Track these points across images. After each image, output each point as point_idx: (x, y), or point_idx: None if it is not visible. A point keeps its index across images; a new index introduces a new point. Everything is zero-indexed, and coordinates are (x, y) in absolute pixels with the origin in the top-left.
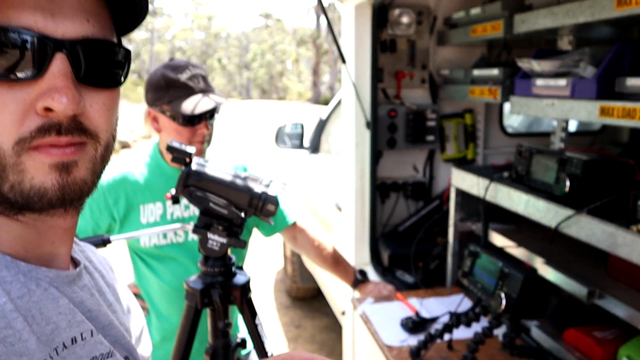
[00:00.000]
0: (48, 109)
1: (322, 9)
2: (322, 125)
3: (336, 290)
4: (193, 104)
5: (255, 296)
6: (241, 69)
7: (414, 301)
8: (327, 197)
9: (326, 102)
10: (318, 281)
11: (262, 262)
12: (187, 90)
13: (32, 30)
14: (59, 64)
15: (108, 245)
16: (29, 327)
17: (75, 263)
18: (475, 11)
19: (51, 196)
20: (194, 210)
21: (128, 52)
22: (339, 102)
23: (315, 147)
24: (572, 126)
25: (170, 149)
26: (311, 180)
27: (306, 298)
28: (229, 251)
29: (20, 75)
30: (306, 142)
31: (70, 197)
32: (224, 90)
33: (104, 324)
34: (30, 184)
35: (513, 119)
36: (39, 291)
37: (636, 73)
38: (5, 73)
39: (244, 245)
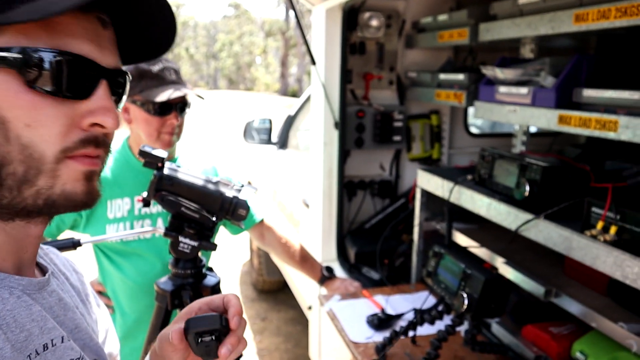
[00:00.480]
0: (96, 125)
1: (293, 8)
2: (290, 121)
3: (303, 285)
4: (164, 93)
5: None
6: (209, 58)
7: (380, 298)
8: (294, 192)
9: (294, 94)
10: (284, 275)
11: (228, 254)
12: (159, 81)
13: (88, 57)
14: (105, 88)
15: (78, 248)
16: (3, 334)
17: (40, 268)
18: (442, 17)
19: (79, 201)
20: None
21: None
22: (308, 98)
23: (283, 143)
24: (533, 128)
25: (142, 153)
26: (279, 175)
27: (272, 291)
28: (199, 253)
29: (70, 93)
30: (274, 138)
31: (91, 203)
32: (190, 79)
33: (72, 328)
34: (62, 189)
35: (477, 119)
36: (13, 299)
37: (592, 84)
38: (58, 90)
39: (214, 248)
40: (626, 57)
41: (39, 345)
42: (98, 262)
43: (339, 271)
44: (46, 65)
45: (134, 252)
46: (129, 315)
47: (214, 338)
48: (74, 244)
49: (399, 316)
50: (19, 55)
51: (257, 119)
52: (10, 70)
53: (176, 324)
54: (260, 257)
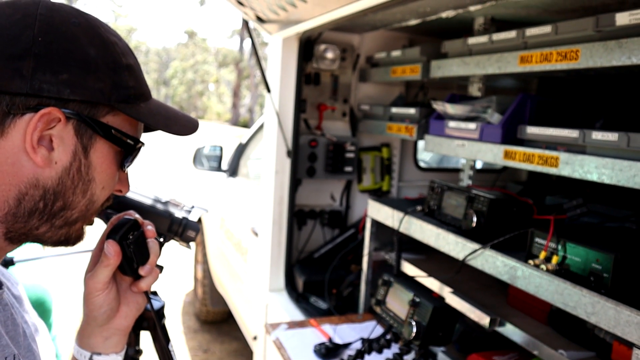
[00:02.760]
0: (119, 190)
1: (249, 34)
2: (241, 149)
3: (248, 315)
4: None
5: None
6: (159, 84)
7: (327, 327)
8: (243, 221)
9: (245, 124)
10: (230, 305)
11: (170, 284)
12: None
13: (143, 143)
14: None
15: (11, 268)
16: None
17: None
18: (395, 53)
19: (80, 240)
20: None
21: None
22: (260, 127)
23: (233, 171)
24: (478, 164)
25: None
26: (228, 203)
27: (215, 322)
28: None
29: (127, 166)
30: (224, 165)
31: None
32: None
33: (22, 345)
34: (83, 231)
35: (425, 154)
36: None
37: (535, 122)
38: (126, 165)
39: (161, 270)
40: (565, 98)
41: None
42: None
43: (286, 300)
44: (136, 151)
45: None
46: None
47: (137, 234)
48: (6, 263)
49: (346, 345)
50: (130, 142)
51: (207, 145)
52: (115, 147)
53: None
54: (205, 287)
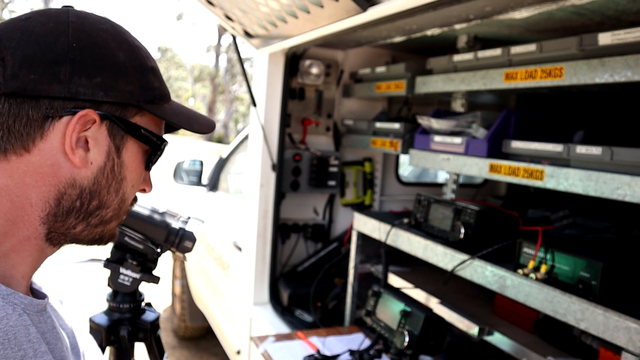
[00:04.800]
0: (143, 190)
1: (236, 50)
2: (221, 164)
3: (230, 329)
4: None
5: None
6: None
7: (315, 339)
8: (224, 235)
9: (219, 140)
10: (210, 320)
11: (147, 300)
12: None
13: (167, 142)
14: None
15: None
16: (3, 350)
17: (32, 291)
18: (380, 69)
19: (113, 239)
20: None
21: None
22: (240, 142)
23: (213, 185)
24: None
25: None
26: (208, 218)
27: (194, 337)
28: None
29: (152, 165)
30: (204, 180)
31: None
32: None
33: (58, 359)
34: (116, 230)
35: (404, 169)
36: (15, 316)
37: (519, 137)
38: (151, 164)
39: (157, 281)
40: (546, 113)
41: None
42: None
43: (271, 314)
44: (161, 151)
45: None
46: None
47: None
48: None
49: (335, 357)
50: (158, 142)
51: (187, 160)
52: (144, 146)
53: None
54: (183, 302)
